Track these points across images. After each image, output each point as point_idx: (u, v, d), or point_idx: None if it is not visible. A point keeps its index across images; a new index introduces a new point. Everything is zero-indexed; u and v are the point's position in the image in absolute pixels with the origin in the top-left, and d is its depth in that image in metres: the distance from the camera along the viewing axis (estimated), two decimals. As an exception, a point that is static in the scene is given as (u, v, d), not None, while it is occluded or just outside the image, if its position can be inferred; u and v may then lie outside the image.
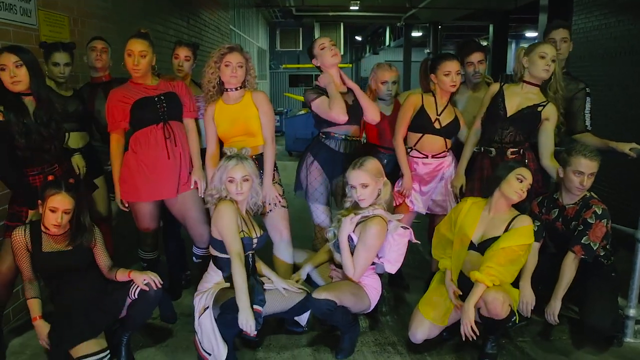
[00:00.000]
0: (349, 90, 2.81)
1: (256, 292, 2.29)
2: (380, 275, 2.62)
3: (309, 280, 2.67)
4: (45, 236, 2.32)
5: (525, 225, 2.34)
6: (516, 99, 2.74)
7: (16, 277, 2.48)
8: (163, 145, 2.59)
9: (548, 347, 2.62)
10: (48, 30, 3.17)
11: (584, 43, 6.67)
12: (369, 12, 14.35)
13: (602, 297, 2.50)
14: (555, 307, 2.50)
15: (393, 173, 2.98)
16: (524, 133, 2.75)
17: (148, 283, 2.28)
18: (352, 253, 2.48)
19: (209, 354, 2.28)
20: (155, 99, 2.61)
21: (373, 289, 2.54)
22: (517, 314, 2.42)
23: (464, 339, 2.31)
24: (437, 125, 2.81)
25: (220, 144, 2.72)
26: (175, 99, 2.67)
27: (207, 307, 2.29)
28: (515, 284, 2.44)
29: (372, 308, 2.57)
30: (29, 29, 3.00)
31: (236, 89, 2.62)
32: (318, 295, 2.35)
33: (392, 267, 2.52)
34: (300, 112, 9.70)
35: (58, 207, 2.23)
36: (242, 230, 2.35)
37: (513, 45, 20.65)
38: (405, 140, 2.91)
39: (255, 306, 2.24)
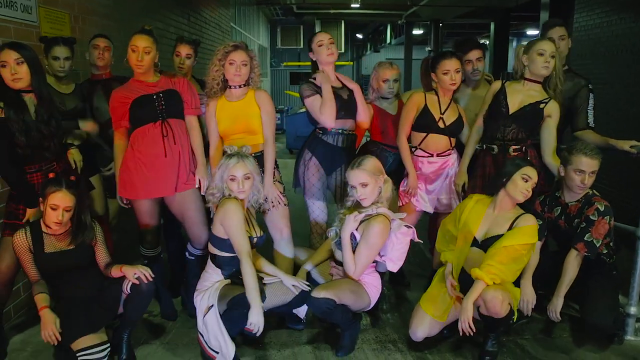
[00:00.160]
0: (344, 85, 2.82)
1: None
2: (382, 273, 2.62)
3: (309, 279, 2.67)
4: (47, 236, 2.32)
5: (530, 225, 2.33)
6: (518, 96, 2.74)
7: (16, 275, 2.48)
8: (160, 144, 2.56)
9: (549, 345, 2.61)
10: (49, 27, 3.16)
11: (585, 41, 6.65)
12: (370, 9, 14.33)
13: (604, 295, 2.50)
14: (557, 304, 2.50)
15: (398, 171, 2.99)
16: (526, 130, 2.74)
17: (139, 277, 2.28)
18: (354, 251, 2.48)
19: (217, 352, 2.28)
20: (154, 96, 2.59)
21: (373, 287, 2.54)
22: (516, 312, 2.41)
23: (460, 334, 2.32)
24: (441, 124, 2.80)
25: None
26: (175, 97, 2.64)
27: (212, 306, 2.29)
28: (517, 282, 2.44)
29: (372, 306, 2.57)
30: (30, 26, 2.99)
31: (239, 87, 2.62)
32: (317, 294, 2.34)
33: (394, 266, 2.52)
34: (301, 110, 9.69)
35: (59, 205, 2.23)
36: (246, 231, 2.36)
37: (514, 43, 20.59)
38: (409, 139, 2.91)
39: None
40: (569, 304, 2.57)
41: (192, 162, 2.68)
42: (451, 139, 2.86)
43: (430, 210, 2.92)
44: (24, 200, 2.37)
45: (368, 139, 3.21)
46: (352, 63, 24.05)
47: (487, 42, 14.62)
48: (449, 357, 2.50)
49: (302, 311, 2.58)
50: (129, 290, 2.31)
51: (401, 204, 2.92)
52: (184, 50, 3.09)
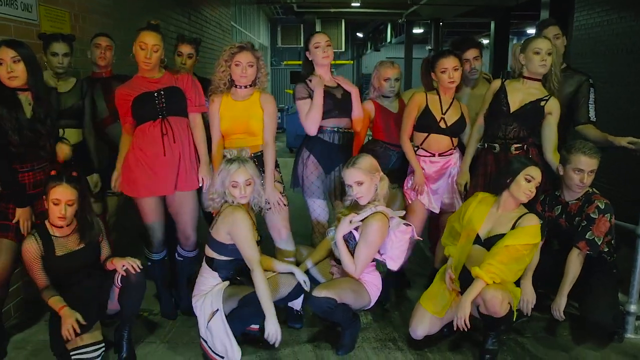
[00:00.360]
0: (339, 85, 2.84)
1: None
2: (389, 271, 2.59)
3: (308, 276, 2.66)
4: (56, 239, 2.30)
5: (532, 225, 2.31)
6: (519, 95, 2.73)
7: (11, 275, 2.45)
8: (160, 142, 2.54)
9: (549, 343, 2.61)
10: (49, 25, 3.16)
11: (585, 40, 6.64)
12: (371, 8, 14.32)
13: (605, 294, 2.50)
14: (560, 303, 2.49)
15: (401, 169, 2.99)
16: (527, 129, 2.74)
17: (127, 269, 2.27)
18: (354, 250, 2.47)
19: (222, 357, 2.28)
20: (155, 94, 2.56)
21: (373, 286, 2.53)
22: (516, 312, 2.41)
23: (455, 329, 2.32)
24: (442, 125, 2.79)
25: None
26: (177, 94, 2.60)
27: (217, 310, 2.28)
28: (517, 281, 2.43)
29: (372, 304, 2.57)
30: (30, 24, 2.98)
31: (246, 87, 2.62)
32: (318, 293, 2.34)
33: (394, 264, 2.51)
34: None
35: (60, 199, 2.20)
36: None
37: (514, 42, 20.60)
38: (411, 138, 2.90)
39: None
40: (570, 302, 2.56)
41: (195, 161, 2.64)
42: (453, 138, 2.86)
43: (436, 210, 2.90)
44: (13, 200, 2.33)
45: (370, 137, 3.21)
46: (352, 62, 24.03)
47: (488, 41, 14.60)
48: (449, 355, 2.50)
49: (297, 304, 2.59)
50: (119, 283, 2.30)
51: (408, 202, 2.91)
52: (186, 49, 3.09)
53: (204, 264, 2.44)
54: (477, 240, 2.43)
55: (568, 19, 6.96)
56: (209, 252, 2.39)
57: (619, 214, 2.57)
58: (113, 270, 2.33)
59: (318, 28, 15.62)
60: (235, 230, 2.28)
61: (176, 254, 2.86)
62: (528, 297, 2.45)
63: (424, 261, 3.45)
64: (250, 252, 2.27)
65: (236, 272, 2.42)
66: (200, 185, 2.65)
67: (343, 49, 18.45)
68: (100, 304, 2.33)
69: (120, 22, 4.07)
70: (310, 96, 2.74)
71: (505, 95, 2.75)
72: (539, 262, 2.47)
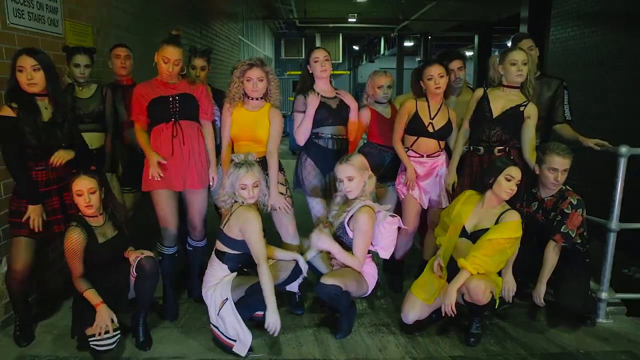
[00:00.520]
0: (336, 96, 2.85)
1: None
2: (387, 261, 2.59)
3: (310, 266, 2.64)
4: (96, 229, 2.27)
5: (513, 220, 2.31)
6: (500, 102, 2.72)
7: (33, 271, 2.39)
8: (169, 143, 2.53)
9: (528, 328, 2.60)
10: (73, 38, 3.14)
11: (560, 52, 6.64)
12: (366, 23, 14.33)
13: (576, 282, 2.49)
14: (540, 290, 2.49)
15: (394, 169, 2.98)
16: (509, 132, 2.73)
17: (141, 260, 2.26)
18: (349, 246, 2.48)
19: (234, 340, 2.27)
20: (170, 98, 2.55)
21: (371, 276, 2.54)
22: (498, 299, 2.40)
23: (443, 315, 2.33)
24: (430, 129, 2.78)
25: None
26: (191, 101, 2.59)
27: (226, 299, 2.27)
28: (499, 272, 2.42)
29: (369, 292, 2.57)
30: (56, 38, 2.97)
31: (258, 99, 2.61)
32: (326, 280, 2.35)
33: (385, 253, 2.53)
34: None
35: (82, 189, 2.18)
36: None
37: (497, 54, 20.56)
38: (403, 140, 2.89)
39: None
40: (547, 290, 2.55)
41: (205, 162, 2.64)
42: (440, 141, 2.84)
43: (424, 205, 2.89)
44: (27, 196, 2.28)
45: (364, 140, 3.20)
46: (349, 72, 24.02)
47: (472, 53, 14.57)
48: (437, 339, 2.49)
49: (294, 286, 2.58)
50: (135, 273, 2.29)
51: (401, 197, 2.89)
52: (199, 63, 3.04)
53: (213, 256, 2.42)
54: (465, 233, 2.42)
55: (544, 33, 6.96)
56: (220, 247, 2.38)
57: (588, 214, 2.57)
58: (128, 261, 2.33)
59: (318, 42, 15.62)
60: (247, 227, 2.27)
61: (187, 245, 2.85)
62: (509, 285, 2.44)
63: (414, 252, 3.42)
64: (258, 248, 2.27)
65: (243, 264, 2.41)
66: (210, 183, 2.66)
67: (340, 61, 18.44)
68: (120, 293, 2.32)
69: (139, 36, 4.06)
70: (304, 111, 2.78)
71: (488, 102, 2.74)
72: (518, 253, 2.46)
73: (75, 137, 2.44)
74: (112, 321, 2.16)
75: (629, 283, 4.47)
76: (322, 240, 2.44)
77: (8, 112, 2.20)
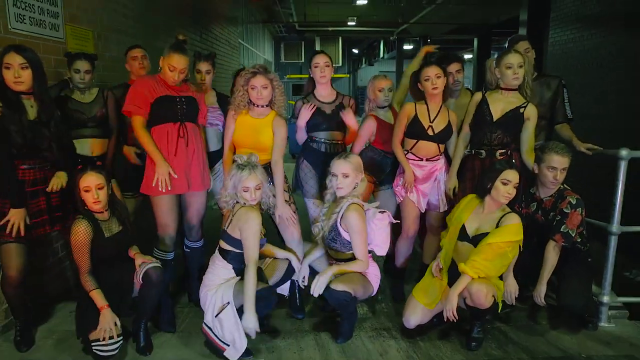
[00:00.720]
0: (334, 101, 2.87)
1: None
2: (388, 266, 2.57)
3: (311, 269, 2.64)
4: (102, 223, 2.25)
5: (513, 223, 2.30)
6: (500, 104, 2.72)
7: (26, 276, 2.33)
8: (175, 143, 2.51)
9: (529, 332, 2.58)
10: (74, 43, 3.14)
11: (559, 54, 6.64)
12: (365, 27, 14.35)
13: (577, 281, 2.48)
14: (541, 290, 2.48)
15: (395, 173, 2.97)
16: (510, 135, 2.73)
17: (148, 270, 2.26)
18: (343, 246, 2.47)
19: (228, 345, 2.26)
20: (177, 99, 2.54)
21: (374, 276, 2.54)
22: (500, 303, 2.38)
23: (445, 320, 2.32)
24: (430, 132, 2.77)
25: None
26: (194, 103, 2.61)
27: (228, 303, 2.26)
28: (500, 275, 2.41)
29: (375, 292, 2.57)
30: (57, 42, 2.97)
31: (263, 106, 2.60)
32: (336, 287, 2.33)
33: (381, 250, 2.52)
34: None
35: (90, 185, 2.17)
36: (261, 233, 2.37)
37: (493, 57, 20.56)
38: (402, 144, 2.88)
39: None
40: (548, 294, 2.54)
41: (206, 164, 2.67)
42: (440, 145, 2.83)
43: (422, 208, 2.88)
44: (10, 199, 2.20)
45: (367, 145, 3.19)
46: (348, 75, 24.06)
47: (471, 56, 14.59)
48: (438, 343, 2.47)
49: (285, 289, 2.57)
50: (141, 281, 2.28)
51: (399, 200, 2.88)
52: (204, 67, 3.01)
53: (216, 255, 2.40)
54: (467, 238, 2.41)
55: (543, 36, 6.96)
56: (224, 245, 2.37)
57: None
58: (134, 265, 2.32)
59: (317, 45, 15.64)
60: (246, 228, 2.26)
61: (184, 247, 2.84)
62: (511, 288, 2.43)
63: (414, 256, 3.41)
64: (252, 251, 2.26)
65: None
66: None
67: (340, 64, 18.47)
68: (122, 295, 2.32)
69: (140, 40, 4.05)
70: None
71: (488, 105, 2.74)
72: (518, 256, 2.45)
73: (63, 136, 2.39)
74: (116, 325, 2.15)
75: (631, 286, 4.45)
76: (321, 282, 2.37)
77: None
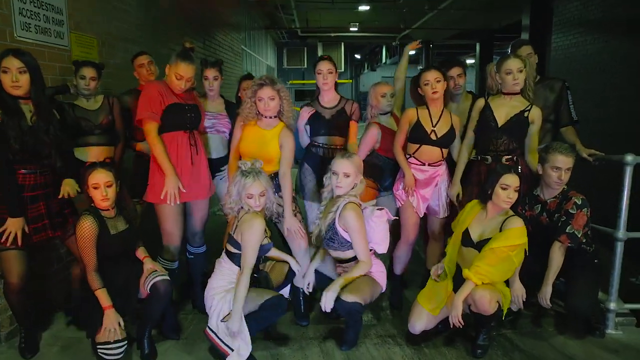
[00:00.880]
0: (335, 106, 2.89)
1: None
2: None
3: (317, 273, 2.64)
4: (108, 220, 2.25)
5: (516, 227, 2.29)
6: (504, 109, 2.72)
7: (28, 282, 2.31)
8: (188, 152, 2.53)
9: (535, 339, 2.56)
10: (79, 50, 3.16)
11: (562, 59, 6.63)
12: (367, 32, 14.38)
13: (583, 282, 2.46)
14: (546, 291, 2.46)
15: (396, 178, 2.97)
16: (516, 140, 2.72)
17: (156, 282, 2.26)
18: (341, 245, 2.46)
19: (232, 350, 2.25)
20: (186, 107, 2.55)
21: (380, 273, 2.53)
22: (505, 309, 2.36)
23: (451, 326, 2.30)
24: (433, 137, 2.76)
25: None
26: (199, 111, 2.64)
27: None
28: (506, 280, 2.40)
29: (384, 289, 2.58)
30: (62, 50, 2.99)
31: (271, 117, 2.59)
32: (346, 297, 2.32)
33: (381, 248, 2.50)
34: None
35: (99, 182, 2.17)
36: (266, 237, 2.38)
37: (494, 62, 20.56)
38: (405, 148, 2.88)
39: None
40: (554, 300, 2.52)
41: (209, 171, 2.69)
42: (443, 150, 2.82)
43: (420, 213, 2.85)
44: (8, 208, 2.17)
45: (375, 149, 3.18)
46: (351, 81, 24.10)
47: (474, 61, 14.60)
48: (443, 350, 2.46)
49: (286, 292, 2.58)
50: (148, 291, 2.28)
51: (400, 204, 2.87)
52: (211, 73, 2.99)
53: (224, 257, 2.39)
54: (471, 243, 2.40)
55: (546, 40, 6.96)
56: (230, 248, 2.37)
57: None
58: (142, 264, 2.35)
59: (320, 51, 15.66)
60: (247, 233, 2.26)
61: (187, 253, 2.84)
62: (518, 292, 2.41)
63: (418, 262, 3.41)
64: (249, 257, 2.26)
65: (256, 267, 2.40)
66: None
67: (342, 69, 18.47)
68: (128, 300, 2.31)
69: (143, 47, 4.07)
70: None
71: (491, 111, 2.74)
72: (523, 259, 2.43)
73: (63, 142, 2.37)
74: (120, 325, 2.15)
75: (637, 292, 4.42)
76: (329, 297, 2.35)
77: None
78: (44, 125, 2.23)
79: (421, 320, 2.39)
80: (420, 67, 16.60)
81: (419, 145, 2.80)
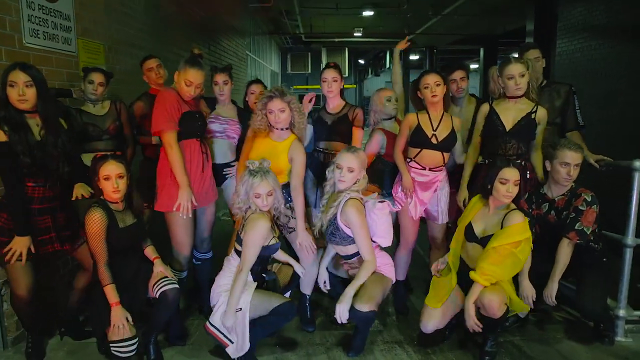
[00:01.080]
0: (337, 113, 2.92)
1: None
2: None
3: (329, 274, 2.65)
4: (116, 213, 2.24)
5: (517, 223, 2.27)
6: (510, 113, 2.70)
7: (35, 293, 2.29)
8: (200, 159, 2.54)
9: (544, 345, 2.54)
10: (86, 56, 3.18)
11: (567, 64, 6.62)
12: (371, 38, 14.41)
13: (595, 283, 2.44)
14: (552, 288, 2.44)
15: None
16: (525, 144, 2.72)
17: (165, 290, 2.26)
18: (342, 240, 2.44)
19: (232, 342, 2.25)
20: (196, 115, 2.57)
21: (387, 266, 2.51)
22: (512, 312, 2.35)
23: (471, 331, 2.28)
24: (434, 141, 2.75)
25: None
26: (205, 119, 2.67)
27: (241, 309, 2.25)
28: (514, 279, 2.38)
29: (395, 280, 2.57)
30: (69, 56, 3.01)
31: (282, 129, 2.58)
32: (361, 307, 2.29)
33: (385, 241, 2.47)
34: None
35: (110, 174, 2.16)
36: (274, 237, 2.37)
37: (496, 66, 20.55)
38: (406, 153, 2.87)
39: None
40: (562, 307, 2.50)
41: (213, 176, 2.72)
42: (444, 154, 2.79)
43: (415, 216, 2.81)
44: (15, 226, 2.16)
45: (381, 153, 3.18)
46: (355, 86, 24.17)
47: (477, 66, 14.59)
48: (451, 356, 2.44)
49: (287, 293, 2.57)
50: (157, 297, 2.28)
51: (399, 207, 2.85)
52: (221, 78, 2.96)
53: (233, 254, 2.39)
54: (475, 238, 2.39)
55: (550, 45, 6.95)
56: (239, 247, 2.36)
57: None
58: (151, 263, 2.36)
59: (324, 56, 15.73)
60: (250, 234, 2.26)
61: (194, 259, 2.84)
62: (527, 292, 2.38)
63: (423, 267, 3.39)
64: (248, 257, 2.26)
65: (263, 267, 2.40)
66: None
67: (346, 74, 18.53)
68: (137, 298, 2.31)
69: (150, 52, 4.09)
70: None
71: (498, 116, 2.72)
72: (532, 260, 2.40)
73: (73, 155, 2.36)
74: (128, 321, 2.15)
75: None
76: (343, 310, 2.33)
77: (1, 137, 2.09)
78: (53, 138, 2.22)
79: (432, 319, 2.36)
80: (424, 72, 16.61)
81: (419, 149, 2.79)
